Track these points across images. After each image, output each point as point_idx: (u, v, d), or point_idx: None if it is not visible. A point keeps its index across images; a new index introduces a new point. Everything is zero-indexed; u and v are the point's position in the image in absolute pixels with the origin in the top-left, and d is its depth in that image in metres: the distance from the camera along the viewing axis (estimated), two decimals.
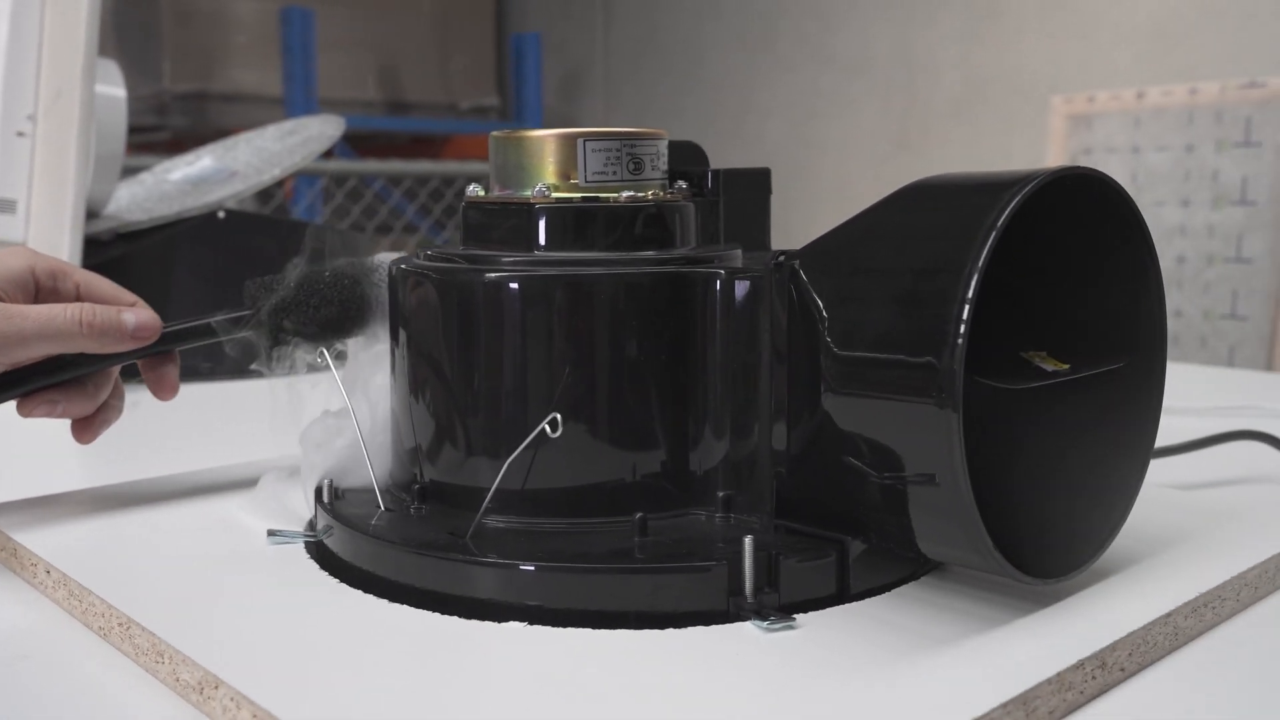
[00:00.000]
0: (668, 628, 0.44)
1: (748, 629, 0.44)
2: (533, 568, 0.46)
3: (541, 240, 0.54)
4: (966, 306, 0.41)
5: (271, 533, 0.55)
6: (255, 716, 0.38)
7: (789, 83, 3.21)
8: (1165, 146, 2.37)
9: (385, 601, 0.47)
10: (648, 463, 0.52)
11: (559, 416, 0.44)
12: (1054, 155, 2.54)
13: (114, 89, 1.16)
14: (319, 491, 0.56)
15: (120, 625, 0.46)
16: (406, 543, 0.49)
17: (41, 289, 0.59)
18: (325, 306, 0.60)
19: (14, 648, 0.47)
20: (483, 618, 0.45)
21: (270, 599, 0.48)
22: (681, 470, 0.52)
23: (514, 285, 0.52)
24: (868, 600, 0.47)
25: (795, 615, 0.45)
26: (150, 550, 0.55)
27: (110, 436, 0.61)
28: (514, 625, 0.45)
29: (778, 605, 0.46)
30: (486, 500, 0.49)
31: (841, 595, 0.47)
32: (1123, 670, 0.43)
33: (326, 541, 0.54)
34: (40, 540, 0.55)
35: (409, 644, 0.43)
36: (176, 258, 1.09)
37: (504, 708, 0.38)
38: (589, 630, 0.44)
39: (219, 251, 1.12)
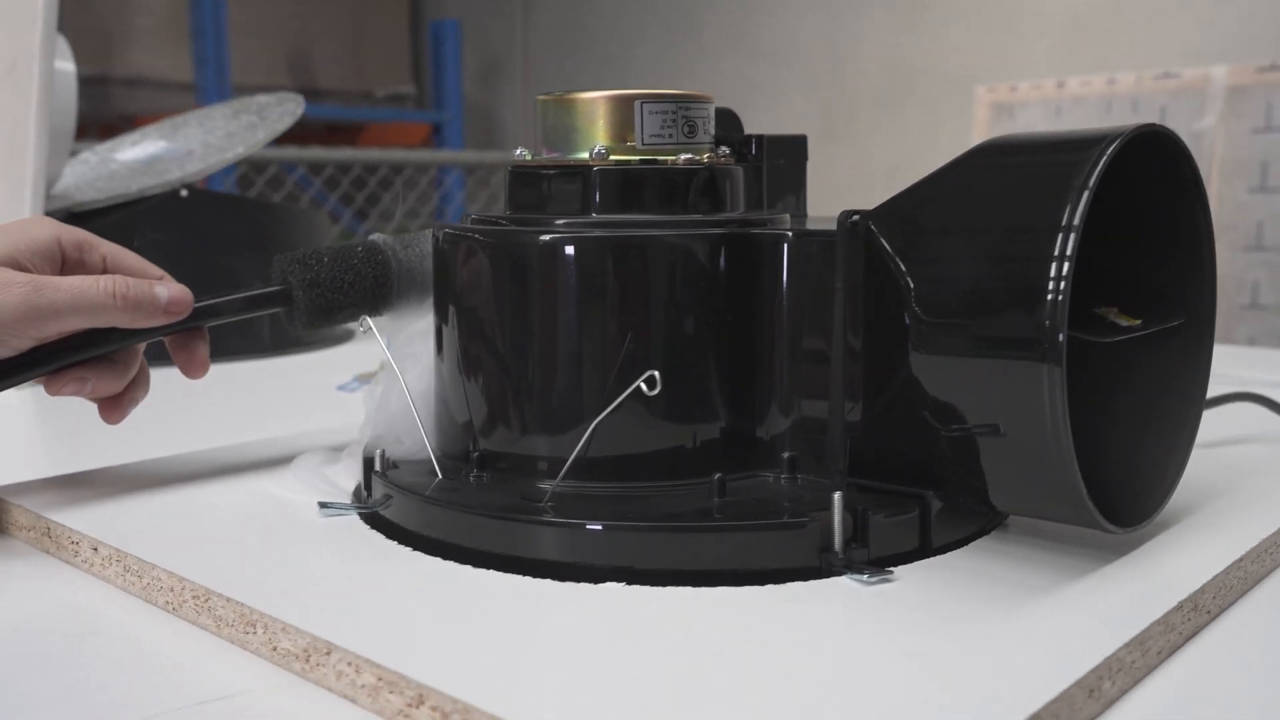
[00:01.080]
0: (763, 584, 0.45)
1: (844, 583, 0.44)
2: (629, 528, 0.46)
3: (598, 202, 0.54)
4: (1067, 263, 0.42)
5: (323, 505, 0.54)
6: (380, 679, 0.37)
7: (715, 72, 3.23)
8: None
9: (468, 567, 0.47)
10: (717, 425, 0.52)
11: (656, 374, 0.44)
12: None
13: (63, 63, 1.12)
14: (370, 462, 0.54)
15: (196, 598, 0.45)
16: (485, 509, 0.48)
17: (68, 260, 0.56)
18: (361, 280, 0.59)
19: (75, 624, 0.45)
20: (574, 579, 0.45)
21: (347, 567, 0.47)
22: (750, 432, 0.52)
23: (582, 247, 0.51)
24: (949, 554, 0.48)
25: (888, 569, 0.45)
26: (201, 524, 0.53)
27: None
28: (612, 585, 0.44)
29: (867, 560, 0.46)
30: (569, 462, 0.49)
31: (924, 549, 0.48)
32: (1209, 613, 0.44)
33: (384, 512, 0.52)
34: (79, 518, 0.53)
35: (508, 605, 0.43)
36: (138, 237, 1.05)
37: (631, 662, 0.38)
38: (688, 589, 0.44)
39: (183, 231, 1.08)
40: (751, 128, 0.62)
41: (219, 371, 0.59)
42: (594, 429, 0.48)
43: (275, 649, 0.41)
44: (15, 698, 0.39)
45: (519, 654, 0.39)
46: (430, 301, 0.58)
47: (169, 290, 0.55)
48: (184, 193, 1.08)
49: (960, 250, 0.45)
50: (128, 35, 3.25)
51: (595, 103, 0.55)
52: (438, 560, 0.47)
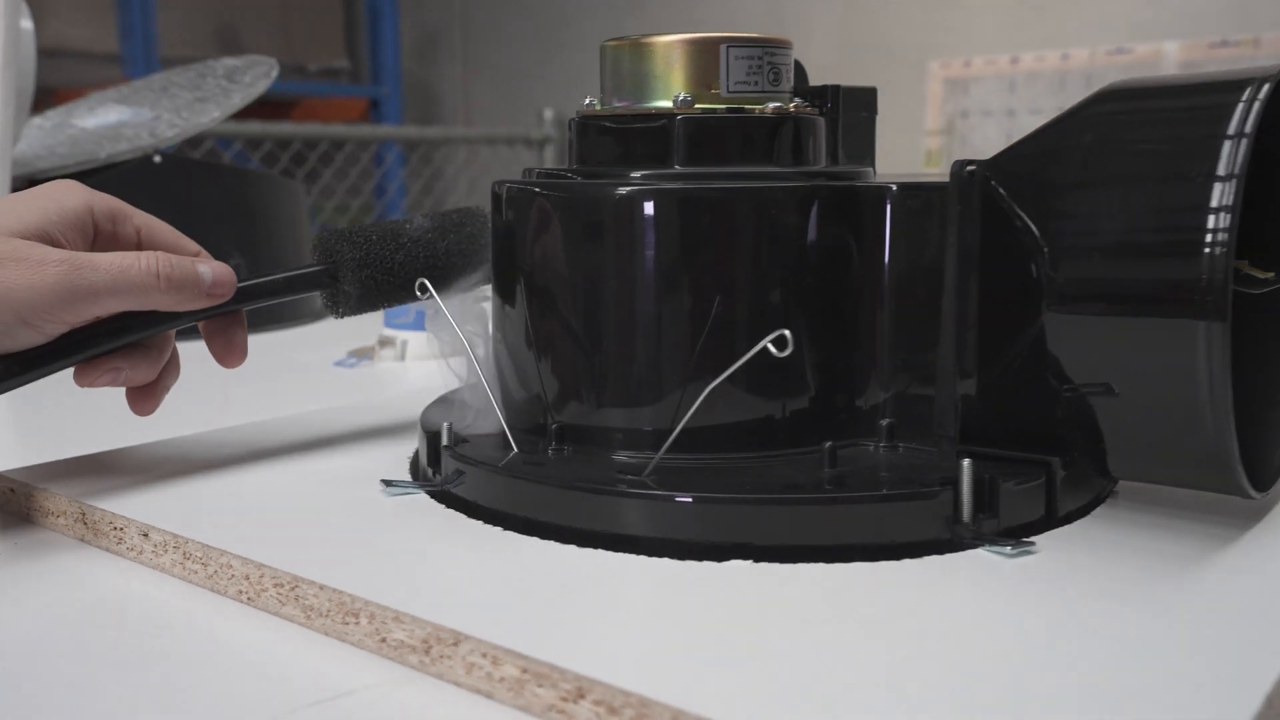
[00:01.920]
0: (897, 558, 0.42)
1: (982, 556, 0.42)
2: (751, 502, 0.42)
3: (681, 153, 0.50)
4: (1229, 214, 0.39)
5: (388, 483, 0.50)
6: (526, 671, 0.33)
7: None
8: (1039, 110, 2.46)
9: (572, 547, 0.43)
10: (813, 392, 0.49)
11: (787, 333, 0.41)
12: (932, 118, 2.61)
13: (26, 22, 1.04)
14: (435, 437, 0.50)
15: (279, 586, 0.40)
16: (586, 483, 0.44)
17: (100, 233, 0.51)
18: (411, 261, 0.54)
19: (139, 620, 0.40)
20: (689, 557, 0.41)
21: (440, 548, 0.43)
22: (847, 398, 0.49)
23: (675, 200, 0.48)
24: (1074, 524, 0.45)
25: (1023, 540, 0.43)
26: (258, 505, 0.48)
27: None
28: (738, 563, 0.41)
29: (997, 530, 0.43)
30: (675, 432, 0.45)
31: (1049, 519, 0.45)
32: None
33: (456, 489, 0.48)
34: (120, 503, 0.48)
35: (637, 586, 0.39)
36: None
37: (797, 644, 0.34)
38: (820, 565, 0.41)
39: (156, 198, 1.01)
40: None
41: (199, 350, 0.54)
42: (703, 398, 0.45)
43: (384, 641, 0.37)
44: (104, 702, 0.34)
45: (674, 639, 0.35)
46: (476, 283, 0.54)
47: (213, 270, 0.50)
48: (157, 159, 1.02)
49: (1106, 203, 0.42)
50: (45, 4, 3.10)
51: (675, 47, 0.51)
52: (536, 540, 0.44)
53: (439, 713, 0.34)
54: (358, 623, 0.38)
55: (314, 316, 1.13)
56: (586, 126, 0.53)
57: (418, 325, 0.92)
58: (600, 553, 0.42)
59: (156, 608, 0.42)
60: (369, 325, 1.06)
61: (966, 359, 0.46)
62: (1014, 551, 0.42)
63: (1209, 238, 0.39)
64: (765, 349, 0.41)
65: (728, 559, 0.41)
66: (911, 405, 0.49)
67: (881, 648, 0.34)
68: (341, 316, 0.56)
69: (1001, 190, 0.45)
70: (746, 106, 0.50)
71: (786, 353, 0.41)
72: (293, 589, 0.40)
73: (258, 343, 0.55)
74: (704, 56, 0.50)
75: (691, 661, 0.33)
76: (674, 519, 0.43)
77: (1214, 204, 0.39)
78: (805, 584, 0.39)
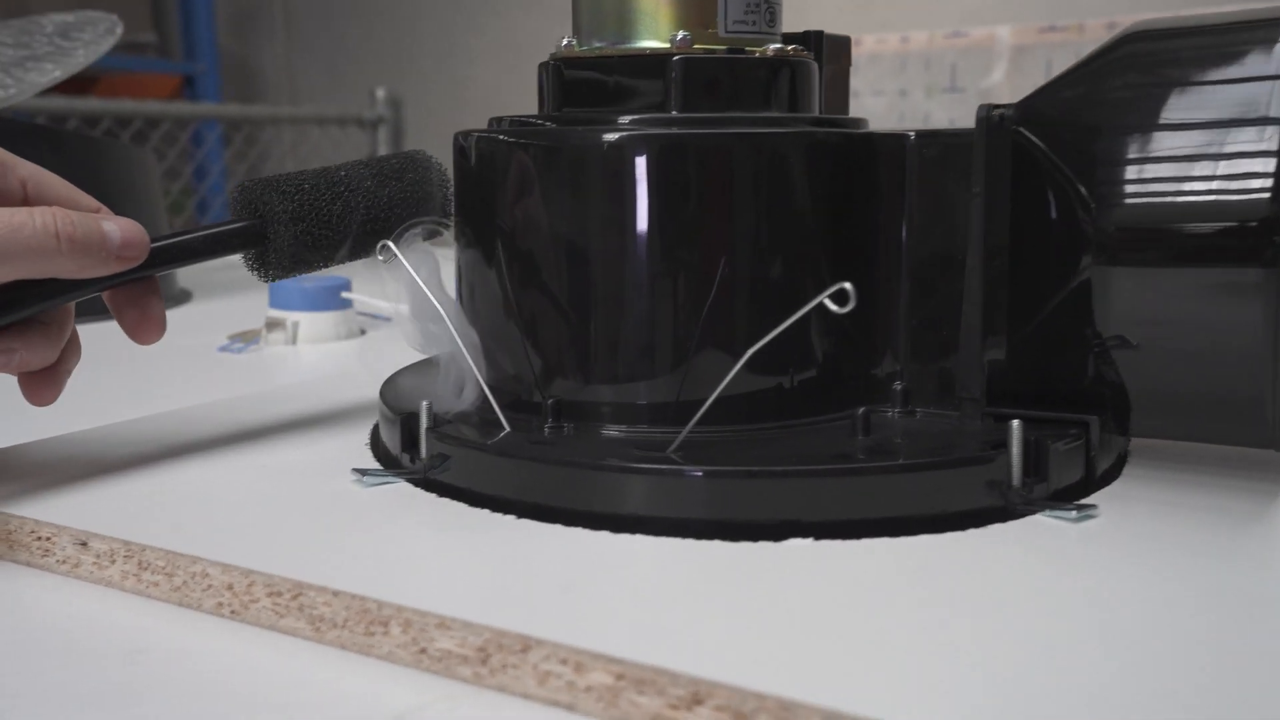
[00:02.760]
0: (954, 529, 0.38)
1: (1043, 522, 0.39)
2: (799, 475, 0.38)
3: (680, 97, 0.45)
4: None
5: (362, 472, 0.44)
6: (622, 677, 0.29)
7: (495, 26, 3.10)
8: (881, 91, 2.51)
9: (604, 532, 0.38)
10: (833, 357, 0.45)
11: (849, 286, 0.37)
12: None
13: None
14: (411, 419, 0.44)
15: (275, 595, 0.34)
16: (613, 464, 0.40)
17: None
18: (350, 213, 0.47)
19: (109, 645, 0.33)
20: (740, 537, 0.37)
21: (456, 542, 0.38)
22: (862, 363, 0.46)
23: (698, 149, 0.43)
24: (1114, 484, 0.43)
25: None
26: (219, 504, 0.41)
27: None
28: (798, 542, 0.37)
29: (1048, 495, 0.41)
30: (708, 403, 0.41)
31: (1088, 480, 0.43)
32: None
33: (442, 476, 0.43)
34: (42, 508, 0.40)
35: (696, 572, 0.35)
36: None
37: (921, 626, 0.31)
38: (883, 539, 0.37)
39: None
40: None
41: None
42: (740, 367, 0.40)
43: (424, 652, 0.32)
44: None
45: (776, 630, 0.31)
46: (417, 239, 0.48)
47: (120, 228, 0.42)
48: None
49: (1156, 148, 0.40)
50: None
51: None
52: (560, 527, 0.39)
53: None
54: (387, 633, 0.32)
55: (174, 301, 1.03)
56: (566, 69, 0.48)
57: (308, 305, 0.84)
58: (639, 538, 0.38)
59: (117, 630, 0.35)
60: (247, 308, 0.97)
61: (995, 318, 0.44)
62: (1079, 516, 0.39)
63: (1272, 182, 0.38)
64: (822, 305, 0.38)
65: (779, 537, 0.37)
66: (926, 368, 0.46)
67: (998, 624, 0.31)
68: (271, 279, 0.48)
69: (1034, 137, 0.42)
70: (747, 48, 0.46)
71: (849, 308, 0.37)
72: (295, 597, 0.34)
73: (113, 331, 0.46)
74: None
75: (811, 654, 0.29)
76: (720, 497, 0.38)
77: (1275, 148, 0.38)
78: (881, 560, 0.36)
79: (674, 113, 0.45)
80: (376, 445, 0.49)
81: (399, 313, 0.47)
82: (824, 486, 0.38)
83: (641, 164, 0.43)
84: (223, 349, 0.81)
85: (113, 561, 0.37)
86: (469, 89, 3.04)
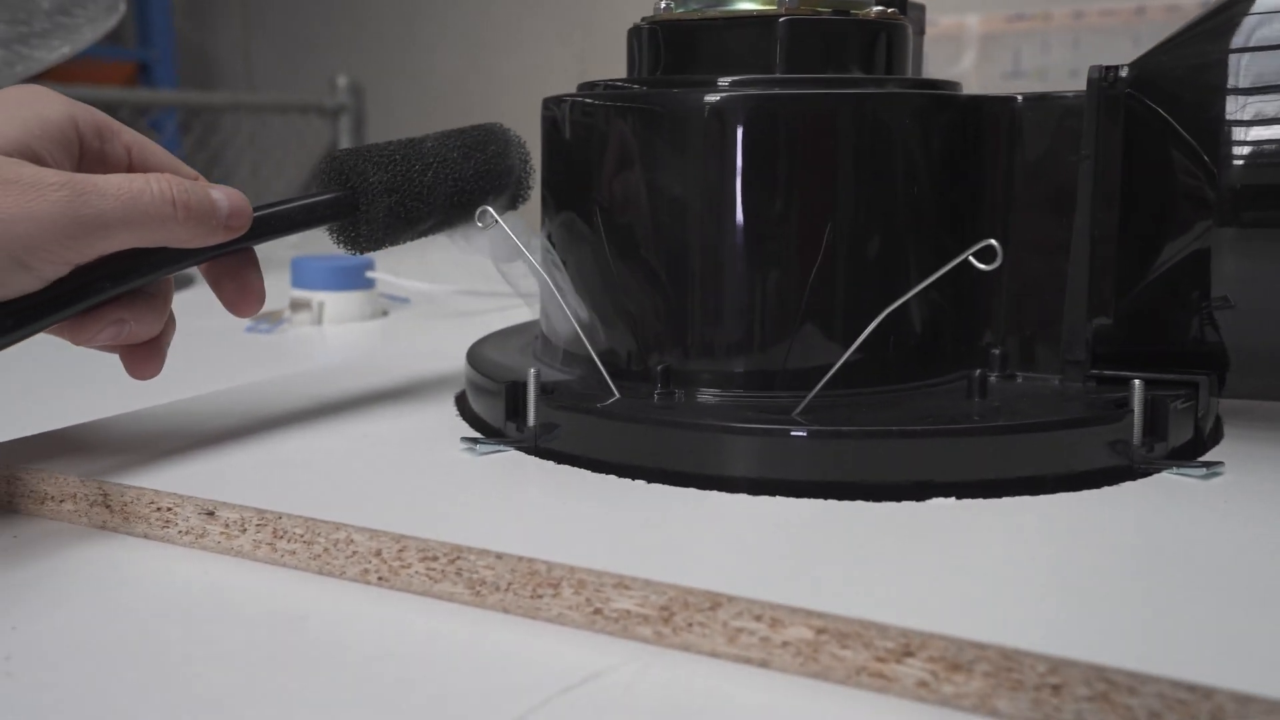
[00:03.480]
0: (1085, 487, 0.39)
1: (1170, 479, 0.39)
2: (940, 434, 0.38)
3: (784, 59, 0.45)
4: None
5: (474, 441, 0.43)
6: (823, 630, 0.28)
7: (456, 14, 3.07)
8: None
9: (743, 495, 0.38)
10: (938, 321, 0.45)
11: (994, 243, 0.37)
12: None
13: None
14: (517, 387, 0.44)
15: (430, 559, 0.33)
16: (755, 426, 0.39)
17: (86, 152, 0.41)
18: (439, 184, 0.46)
19: (266, 612, 0.32)
20: (882, 497, 0.37)
21: (596, 506, 0.37)
22: (969, 327, 0.46)
23: (819, 111, 0.43)
24: (1223, 443, 0.44)
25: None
26: (339, 472, 0.40)
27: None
28: (940, 501, 0.37)
29: (1166, 453, 0.41)
30: (833, 369, 0.40)
31: (1198, 439, 0.43)
32: None
33: (553, 444, 0.42)
34: (156, 478, 0.39)
35: (863, 529, 0.34)
36: None
37: (1083, 576, 0.31)
38: (1026, 498, 0.37)
39: None
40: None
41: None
42: (869, 332, 0.40)
43: (598, 613, 0.31)
44: (302, 711, 0.27)
45: (980, 583, 0.31)
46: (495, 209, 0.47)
47: (228, 197, 0.41)
48: None
49: (1275, 109, 0.40)
50: None
51: None
52: (693, 490, 0.38)
53: (713, 687, 0.28)
54: (557, 594, 0.31)
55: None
56: (661, 31, 0.47)
57: (333, 285, 0.83)
58: (781, 500, 0.37)
59: (266, 598, 0.33)
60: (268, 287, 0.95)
61: (1102, 282, 0.44)
62: (1207, 474, 0.39)
63: None
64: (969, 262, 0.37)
65: (920, 497, 0.37)
66: (1024, 333, 0.47)
67: (1183, 572, 0.31)
68: (362, 251, 0.47)
69: (1148, 100, 0.43)
70: (852, 10, 0.46)
71: (995, 265, 0.37)
72: (453, 561, 0.33)
73: None
74: None
75: (1016, 605, 0.29)
76: (861, 458, 0.38)
77: None
78: (1033, 516, 0.36)
79: (779, 74, 0.45)
80: (465, 415, 0.48)
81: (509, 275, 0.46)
82: (962, 446, 0.38)
83: (753, 126, 0.43)
84: (249, 329, 0.80)
85: (244, 530, 0.36)
86: (432, 75, 3.01)
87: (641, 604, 0.30)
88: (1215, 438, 0.45)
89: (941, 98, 0.44)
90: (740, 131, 0.43)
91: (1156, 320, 0.44)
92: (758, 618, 0.29)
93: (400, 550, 0.34)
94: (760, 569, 0.31)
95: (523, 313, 0.82)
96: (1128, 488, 0.39)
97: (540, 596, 0.32)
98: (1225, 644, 0.27)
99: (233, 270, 0.44)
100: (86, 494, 0.39)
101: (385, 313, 0.87)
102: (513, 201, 0.50)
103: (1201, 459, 0.41)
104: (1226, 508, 0.36)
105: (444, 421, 0.47)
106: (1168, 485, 0.39)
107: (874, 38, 0.47)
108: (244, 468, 0.40)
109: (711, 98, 0.43)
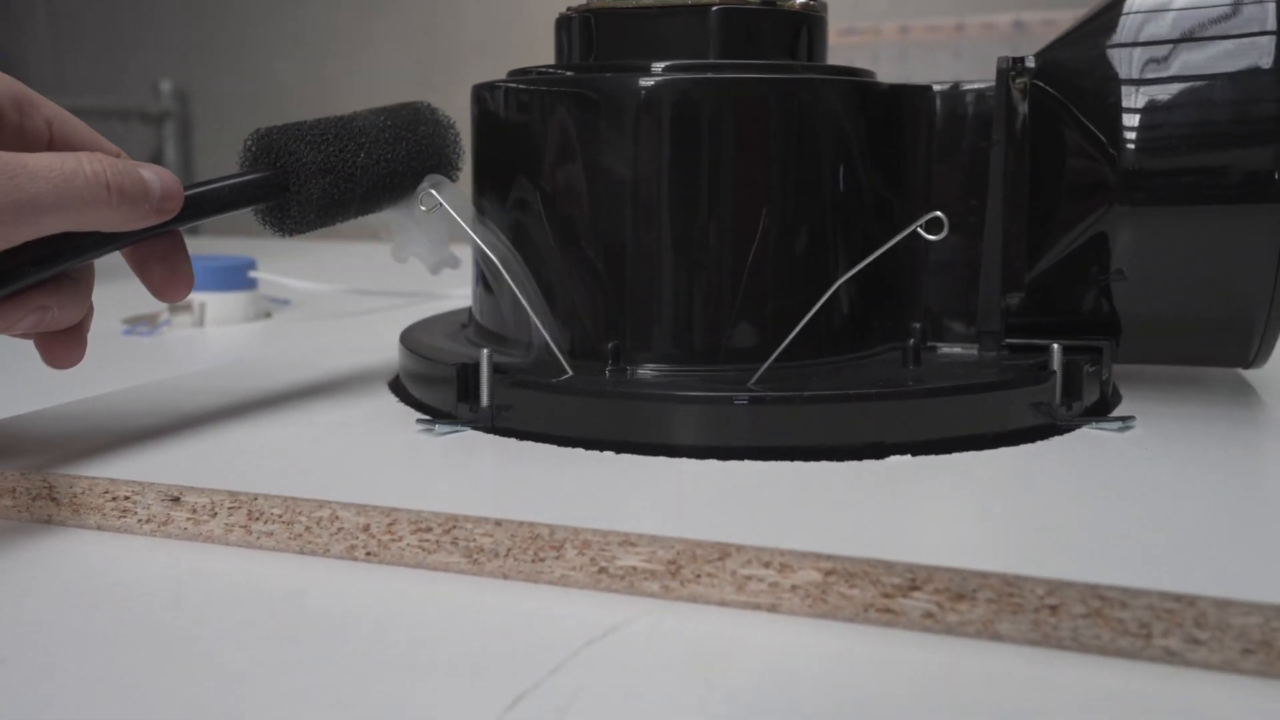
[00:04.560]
0: (1021, 443, 0.42)
1: (1090, 433, 0.43)
2: (894, 396, 0.40)
3: (718, 46, 0.47)
4: None
5: (431, 422, 0.43)
6: (831, 571, 0.30)
7: (296, 18, 2.99)
8: None
9: (713, 461, 0.39)
10: (863, 299, 0.48)
11: (941, 215, 0.39)
12: None
13: None
14: (468, 369, 0.44)
15: (423, 531, 0.33)
16: (720, 395, 0.40)
17: (5, 125, 0.39)
18: (373, 165, 0.46)
19: (263, 593, 0.32)
20: (836, 458, 0.39)
21: (576, 473, 0.37)
22: (890, 303, 0.49)
23: (755, 96, 0.44)
24: (1124, 402, 0.48)
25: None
26: (301, 453, 0.39)
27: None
28: (898, 459, 0.39)
29: (1082, 411, 0.45)
30: (787, 340, 0.42)
31: (1103, 399, 0.47)
32: None
33: (507, 423, 0.42)
34: (105, 468, 0.38)
35: (835, 486, 0.36)
36: None
37: (1059, 513, 0.33)
38: (970, 453, 0.40)
39: None
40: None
41: None
42: (829, 294, 0.42)
43: (603, 571, 0.32)
44: (337, 687, 0.27)
45: (964, 523, 0.33)
46: (450, 187, 0.47)
47: (160, 178, 0.39)
48: None
49: (1174, 98, 0.44)
50: None
51: None
52: (663, 459, 0.39)
53: (730, 631, 0.29)
54: (560, 556, 0.32)
55: None
56: (595, 19, 0.48)
57: (215, 285, 0.80)
58: (750, 463, 0.39)
59: (257, 578, 0.33)
60: (132, 289, 0.91)
61: (1013, 259, 0.47)
62: (1122, 427, 0.43)
63: (1274, 126, 0.43)
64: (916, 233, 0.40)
65: (878, 456, 0.39)
66: (937, 307, 0.50)
67: (1128, 507, 0.34)
68: (291, 234, 0.46)
69: (1051, 91, 0.46)
70: (779, 2, 0.48)
71: (941, 235, 0.39)
72: (448, 531, 0.33)
73: None
74: None
75: (1004, 538, 0.31)
76: (821, 422, 0.40)
77: None
78: (986, 468, 0.38)
79: (712, 59, 0.47)
80: (407, 401, 0.48)
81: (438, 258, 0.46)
82: (915, 408, 0.40)
83: (689, 108, 0.44)
84: (127, 332, 0.77)
85: (214, 514, 0.35)
86: (271, 80, 2.92)
87: (649, 559, 0.31)
88: (1116, 399, 0.49)
89: (865, 84, 0.47)
90: (677, 114, 0.44)
91: (1060, 293, 0.48)
92: (766, 564, 0.30)
93: (390, 523, 0.34)
94: (759, 521, 0.33)
95: (412, 310, 0.81)
96: (1057, 442, 0.42)
97: (542, 560, 0.32)
98: (1196, 560, 0.29)
99: (160, 254, 0.42)
100: (29, 488, 0.37)
101: (268, 314, 0.85)
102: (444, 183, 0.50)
103: (1113, 415, 0.45)
104: (1148, 453, 0.40)
105: (386, 408, 0.47)
106: (1091, 438, 0.42)
107: (798, 28, 0.49)
108: (200, 455, 0.39)
109: (648, 81, 0.45)
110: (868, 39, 2.65)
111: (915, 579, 0.29)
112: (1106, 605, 0.28)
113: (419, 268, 0.51)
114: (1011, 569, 0.29)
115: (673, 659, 0.28)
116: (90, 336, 0.76)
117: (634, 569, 0.31)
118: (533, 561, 0.32)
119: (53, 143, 0.40)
